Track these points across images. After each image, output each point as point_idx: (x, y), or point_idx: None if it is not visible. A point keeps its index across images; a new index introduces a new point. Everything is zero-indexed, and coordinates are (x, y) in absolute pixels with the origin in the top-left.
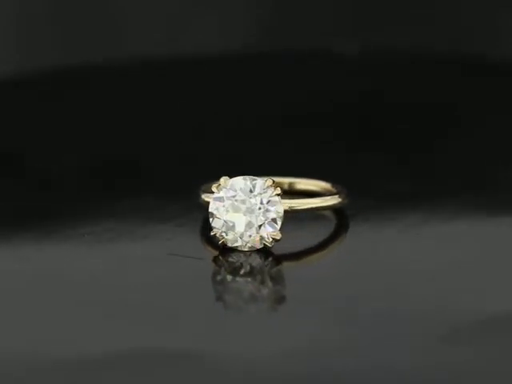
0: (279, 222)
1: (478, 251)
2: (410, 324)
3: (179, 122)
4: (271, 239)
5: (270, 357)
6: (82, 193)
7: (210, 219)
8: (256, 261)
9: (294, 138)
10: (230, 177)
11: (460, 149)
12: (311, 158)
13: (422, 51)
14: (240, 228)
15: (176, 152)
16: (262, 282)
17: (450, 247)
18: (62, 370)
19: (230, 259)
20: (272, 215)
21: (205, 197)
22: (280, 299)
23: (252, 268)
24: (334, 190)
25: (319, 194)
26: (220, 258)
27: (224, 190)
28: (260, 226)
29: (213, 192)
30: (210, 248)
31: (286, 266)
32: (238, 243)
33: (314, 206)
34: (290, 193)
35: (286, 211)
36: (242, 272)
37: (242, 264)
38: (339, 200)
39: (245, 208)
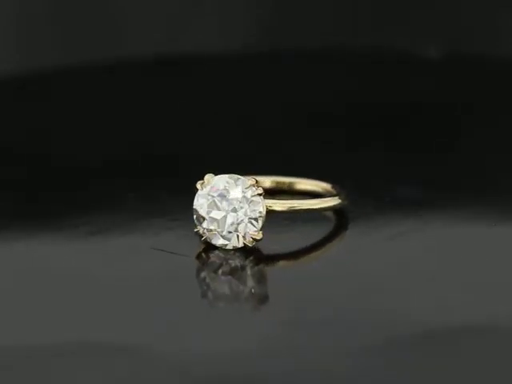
0: (260, 222)
1: (468, 257)
2: (357, 329)
3: (179, 122)
4: (251, 239)
5: (211, 356)
6: (81, 188)
7: (194, 216)
8: (236, 260)
9: (295, 137)
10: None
11: (460, 149)
12: (311, 158)
13: (422, 51)
14: (221, 226)
15: (176, 151)
16: (240, 281)
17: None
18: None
19: (212, 257)
20: (252, 214)
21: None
22: (260, 299)
23: (230, 267)
24: (334, 191)
25: (319, 195)
26: (203, 255)
27: (208, 187)
28: (240, 225)
29: (197, 189)
30: (197, 245)
31: (271, 265)
32: (220, 241)
33: (313, 207)
34: (290, 193)
35: (285, 212)
36: (221, 270)
37: (221, 263)
38: (339, 201)
39: (226, 206)
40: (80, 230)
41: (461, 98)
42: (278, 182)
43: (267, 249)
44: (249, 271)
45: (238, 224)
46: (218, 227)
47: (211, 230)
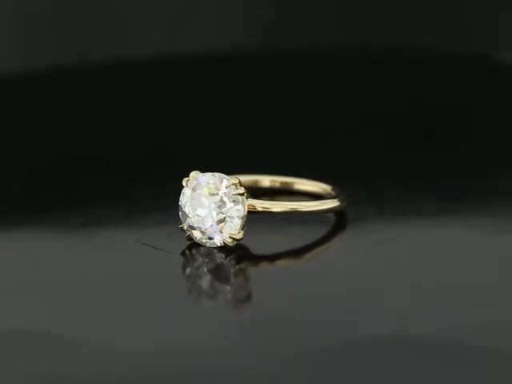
0: (240, 222)
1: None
2: (297, 334)
3: (179, 122)
4: (230, 238)
5: (149, 352)
6: (78, 182)
7: (180, 212)
8: (220, 258)
9: (295, 137)
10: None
11: (460, 149)
12: (311, 158)
13: (422, 51)
14: (203, 223)
15: (176, 150)
16: (220, 280)
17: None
18: None
19: (196, 255)
20: (233, 214)
21: None
22: (240, 298)
23: (211, 265)
24: (333, 193)
25: (319, 195)
26: (187, 252)
27: (193, 184)
28: (220, 224)
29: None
30: (183, 242)
31: (256, 265)
32: (202, 239)
33: (313, 208)
34: (289, 193)
35: (285, 213)
36: (201, 268)
37: (202, 261)
38: (338, 203)
39: (208, 204)
40: (72, 222)
41: (460, 98)
42: (277, 182)
43: (258, 249)
44: (231, 270)
45: (219, 222)
46: (200, 224)
47: (194, 228)
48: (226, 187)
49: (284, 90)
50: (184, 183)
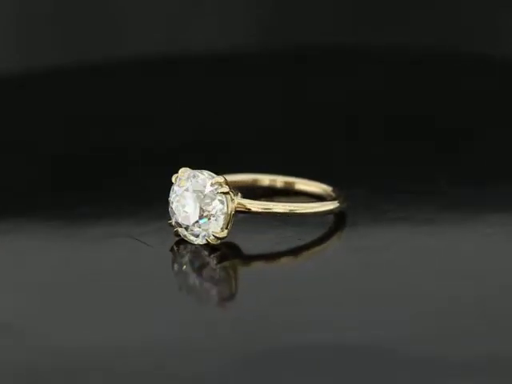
0: (222, 220)
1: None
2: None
3: (179, 122)
4: (213, 236)
5: (97, 348)
6: (77, 178)
7: (169, 208)
8: (206, 257)
9: (295, 137)
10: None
11: (460, 149)
12: (311, 158)
13: (422, 51)
14: (188, 220)
15: (176, 150)
16: (201, 278)
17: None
18: None
19: (183, 252)
20: (216, 212)
21: None
22: (223, 296)
23: (196, 263)
24: (333, 194)
25: (319, 196)
26: (174, 248)
27: (182, 180)
28: (203, 222)
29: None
30: (172, 237)
31: (242, 264)
32: (187, 235)
33: (313, 210)
34: (290, 193)
35: (285, 214)
36: (185, 266)
37: (183, 258)
38: (337, 205)
39: (193, 201)
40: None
41: (460, 98)
42: (278, 181)
43: (249, 248)
44: (215, 268)
45: (203, 220)
46: (185, 221)
47: (180, 224)
48: (211, 185)
49: (284, 90)
50: (173, 179)
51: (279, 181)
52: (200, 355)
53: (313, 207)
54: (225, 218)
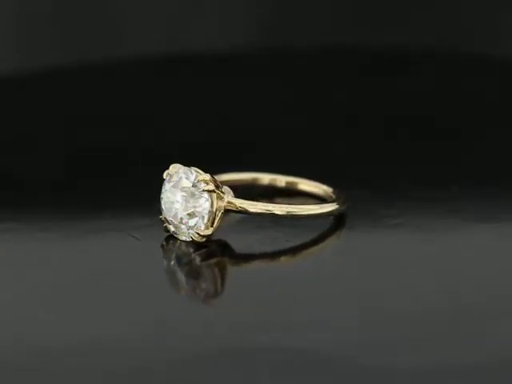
0: (206, 218)
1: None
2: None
3: (179, 122)
4: (197, 234)
5: (69, 347)
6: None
7: (160, 204)
8: (195, 254)
9: (295, 137)
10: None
11: (460, 149)
12: (311, 158)
13: (422, 51)
14: (175, 217)
15: (175, 150)
16: (187, 275)
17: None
18: None
19: (173, 248)
20: (201, 210)
21: None
22: (209, 294)
23: (185, 260)
24: (333, 196)
25: (319, 197)
26: (164, 244)
27: (173, 176)
28: (189, 219)
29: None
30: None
31: (230, 263)
32: (174, 232)
33: (312, 212)
34: (290, 193)
35: (284, 216)
36: (172, 262)
37: (170, 254)
38: (337, 207)
39: (180, 198)
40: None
41: (461, 98)
42: (278, 181)
43: (239, 248)
44: (200, 266)
45: (189, 217)
46: (172, 218)
47: (167, 221)
48: (197, 182)
49: (284, 90)
50: (164, 175)
51: (279, 180)
52: (200, 355)
53: (311, 209)
54: (210, 216)
